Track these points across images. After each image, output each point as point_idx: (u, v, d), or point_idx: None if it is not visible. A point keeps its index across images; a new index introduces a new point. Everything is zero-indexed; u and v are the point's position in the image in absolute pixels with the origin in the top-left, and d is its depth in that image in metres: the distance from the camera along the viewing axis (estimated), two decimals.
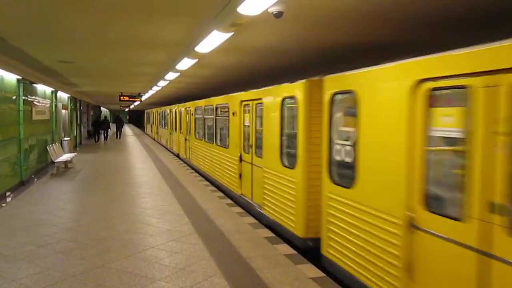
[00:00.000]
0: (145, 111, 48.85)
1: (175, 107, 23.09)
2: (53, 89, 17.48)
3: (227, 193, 11.18)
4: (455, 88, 3.62)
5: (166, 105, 28.70)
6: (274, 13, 5.01)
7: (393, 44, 7.27)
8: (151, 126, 40.00)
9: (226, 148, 11.58)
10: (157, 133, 34.26)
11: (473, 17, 5.44)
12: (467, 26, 5.95)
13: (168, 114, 25.86)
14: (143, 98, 24.69)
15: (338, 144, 5.74)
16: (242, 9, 4.71)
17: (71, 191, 11.29)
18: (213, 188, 11.78)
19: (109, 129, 34.98)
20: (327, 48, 8.00)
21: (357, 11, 5.36)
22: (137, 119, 77.81)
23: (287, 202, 7.23)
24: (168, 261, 5.81)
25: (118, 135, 36.61)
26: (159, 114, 32.04)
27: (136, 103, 31.57)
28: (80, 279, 5.16)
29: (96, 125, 32.37)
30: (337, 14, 5.52)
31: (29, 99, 13.28)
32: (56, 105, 18.35)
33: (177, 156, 21.69)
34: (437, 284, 3.73)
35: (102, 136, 34.61)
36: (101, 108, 51.09)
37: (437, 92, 3.85)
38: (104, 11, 5.56)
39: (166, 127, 26.74)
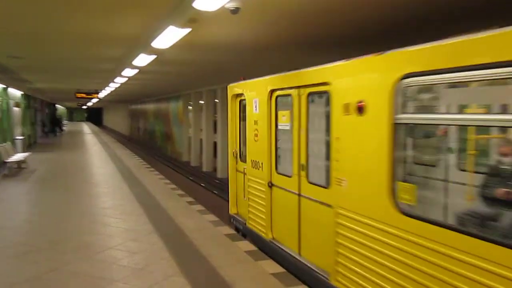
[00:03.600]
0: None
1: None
2: (4, 86, 16.74)
3: None
4: (286, 96, 5.90)
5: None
6: (231, 9, 4.99)
7: (347, 38, 7.39)
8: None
9: None
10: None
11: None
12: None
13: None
14: (101, 95, 24.02)
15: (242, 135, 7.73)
16: (198, 4, 4.66)
17: (25, 192, 10.84)
18: (173, 186, 11.65)
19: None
20: (284, 44, 8.07)
21: (314, 5, 5.42)
22: (96, 116, 78.25)
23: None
24: (127, 262, 5.69)
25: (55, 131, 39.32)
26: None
27: (94, 100, 31.07)
28: (33, 284, 4.96)
29: (55, 122, 39.66)
30: (294, 9, 5.56)
31: None
32: (7, 103, 17.56)
33: None
34: (281, 213, 6.14)
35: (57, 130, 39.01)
36: (56, 105, 49.25)
37: (279, 98, 6.20)
38: (56, 3, 5.35)
39: None
